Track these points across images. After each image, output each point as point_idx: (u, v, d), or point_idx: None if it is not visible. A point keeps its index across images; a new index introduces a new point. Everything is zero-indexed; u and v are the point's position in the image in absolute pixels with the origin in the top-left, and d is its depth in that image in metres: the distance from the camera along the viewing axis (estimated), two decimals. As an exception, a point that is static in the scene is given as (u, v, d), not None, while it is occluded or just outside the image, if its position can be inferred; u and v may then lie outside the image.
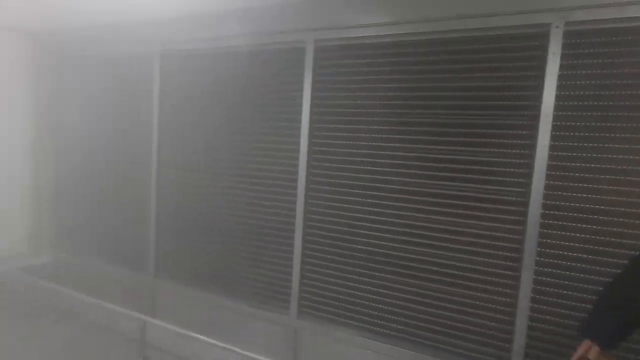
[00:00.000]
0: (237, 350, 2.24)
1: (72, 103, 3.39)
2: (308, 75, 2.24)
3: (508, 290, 1.86)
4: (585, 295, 1.71)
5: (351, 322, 2.22)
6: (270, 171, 2.45)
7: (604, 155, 1.67)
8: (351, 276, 2.21)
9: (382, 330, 2.14)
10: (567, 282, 1.75)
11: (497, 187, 1.87)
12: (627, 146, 1.64)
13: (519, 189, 1.82)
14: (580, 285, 1.73)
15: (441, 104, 1.96)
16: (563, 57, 1.71)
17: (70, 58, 3.36)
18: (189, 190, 2.78)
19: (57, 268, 3.46)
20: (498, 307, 1.89)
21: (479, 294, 1.92)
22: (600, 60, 1.67)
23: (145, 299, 2.93)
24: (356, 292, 2.20)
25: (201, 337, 2.33)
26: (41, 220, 3.62)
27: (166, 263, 2.90)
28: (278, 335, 2.45)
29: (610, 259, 1.67)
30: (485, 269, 1.91)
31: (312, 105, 2.26)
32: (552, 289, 1.77)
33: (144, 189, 2.93)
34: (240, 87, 2.53)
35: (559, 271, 1.76)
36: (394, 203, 2.08)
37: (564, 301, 1.75)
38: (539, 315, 1.80)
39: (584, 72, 1.69)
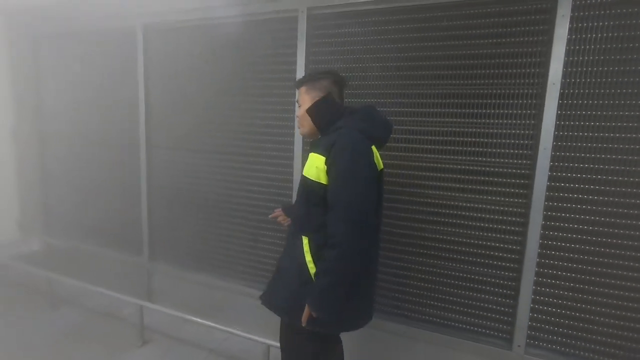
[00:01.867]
0: (235, 331, 2.22)
1: (52, 84, 3.23)
2: (301, 45, 2.12)
3: (514, 265, 1.83)
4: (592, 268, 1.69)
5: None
6: (264, 149, 2.36)
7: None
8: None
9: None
10: (572, 256, 1.72)
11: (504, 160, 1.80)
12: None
13: (525, 161, 1.76)
14: (586, 258, 1.70)
15: (444, 73, 1.86)
16: (573, 19, 1.61)
17: (46, 37, 3.16)
18: (179, 170, 2.68)
19: (49, 254, 3.38)
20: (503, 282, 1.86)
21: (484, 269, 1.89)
22: (611, 23, 1.57)
23: (141, 282, 2.87)
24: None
25: (199, 319, 2.30)
26: (29, 206, 3.51)
27: (160, 245, 2.84)
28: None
29: (614, 238, 1.64)
30: (492, 244, 1.87)
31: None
32: (557, 263, 1.74)
33: (134, 170, 2.82)
34: (230, 60, 2.40)
35: (564, 244, 1.72)
36: (395, 179, 2.01)
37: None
38: (542, 296, 1.77)
39: (593, 35, 1.60)
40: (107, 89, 2.92)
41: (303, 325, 1.34)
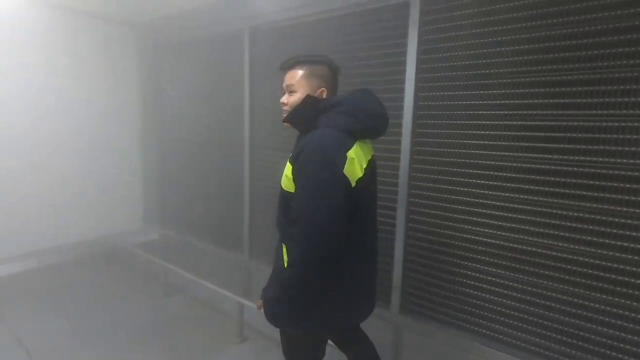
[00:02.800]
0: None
1: (172, 89, 3.54)
2: (413, 34, 1.90)
3: None
4: None
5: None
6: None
7: None
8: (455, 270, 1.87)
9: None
10: None
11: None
12: None
13: None
14: None
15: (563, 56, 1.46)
16: None
17: (167, 46, 3.48)
18: (280, 170, 2.67)
19: (165, 244, 3.73)
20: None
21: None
22: None
23: (241, 279, 2.95)
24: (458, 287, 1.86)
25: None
26: (151, 200, 3.92)
27: (260, 245, 2.88)
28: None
29: None
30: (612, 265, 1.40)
31: (419, 71, 1.91)
32: None
33: (238, 169, 2.91)
34: (335, 55, 2.28)
35: None
36: (519, 185, 1.66)
37: None
38: None
39: None
40: (217, 91, 3.07)
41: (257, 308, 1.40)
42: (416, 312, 2.05)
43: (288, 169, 1.27)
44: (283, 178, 1.31)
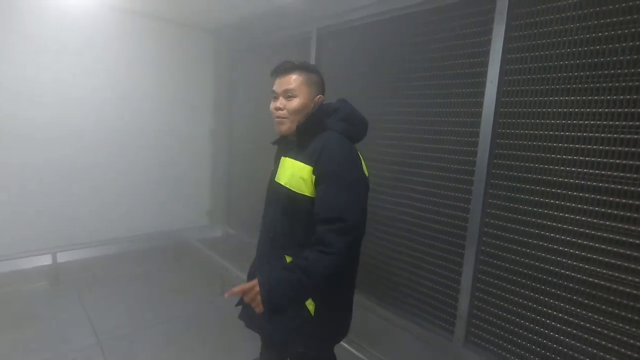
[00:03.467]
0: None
1: (243, 92, 3.63)
2: (499, 30, 1.65)
3: None
4: None
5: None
6: (443, 160, 1.97)
7: None
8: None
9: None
10: None
11: None
12: None
13: None
14: None
15: None
16: None
17: (240, 50, 3.57)
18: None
19: (227, 243, 3.83)
20: None
21: None
22: None
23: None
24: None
25: (347, 345, 2.09)
26: (217, 198, 4.07)
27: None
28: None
29: None
30: None
31: (503, 73, 1.66)
32: None
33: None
34: (409, 55, 2.11)
35: None
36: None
37: None
38: None
39: None
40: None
41: (225, 297, 1.17)
42: (481, 347, 1.78)
43: (304, 170, 1.21)
44: (292, 179, 1.24)
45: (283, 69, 1.29)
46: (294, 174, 1.23)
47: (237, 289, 1.15)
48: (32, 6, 2.78)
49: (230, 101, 3.79)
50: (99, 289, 3.04)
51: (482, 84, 1.72)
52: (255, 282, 1.15)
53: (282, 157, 1.33)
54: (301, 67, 1.29)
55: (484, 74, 1.71)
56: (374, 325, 2.29)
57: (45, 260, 3.06)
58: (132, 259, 3.54)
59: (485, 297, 1.77)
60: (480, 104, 1.73)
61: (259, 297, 1.12)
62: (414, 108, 2.07)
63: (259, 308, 1.13)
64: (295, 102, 1.27)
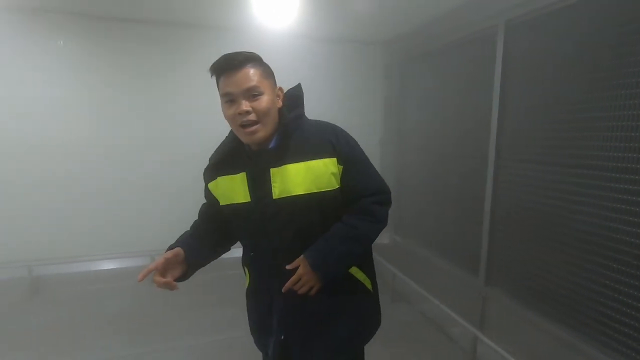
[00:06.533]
0: None
1: (413, 100, 3.59)
2: None
3: None
4: None
5: None
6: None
7: None
8: None
9: None
10: None
11: None
12: None
13: None
14: None
15: None
16: None
17: (411, 58, 3.54)
18: (531, 187, 2.21)
19: (394, 250, 3.82)
20: None
21: None
22: None
23: (474, 305, 2.63)
24: None
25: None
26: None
27: (499, 271, 2.48)
28: None
29: None
30: None
31: None
32: None
33: (479, 184, 2.61)
34: (612, 50, 1.67)
35: None
36: None
37: None
38: None
39: None
40: (459, 101, 2.87)
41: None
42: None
43: (330, 164, 1.11)
44: (319, 181, 1.10)
45: (234, 64, 1.04)
46: (320, 174, 1.09)
47: (290, 281, 1.10)
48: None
49: (400, 110, 3.80)
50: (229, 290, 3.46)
51: None
52: (304, 269, 1.09)
53: (272, 169, 1.10)
54: (253, 58, 1.07)
55: None
56: None
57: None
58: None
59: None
60: None
61: (313, 279, 1.10)
62: (614, 103, 1.64)
63: (316, 287, 1.11)
64: (264, 101, 1.06)
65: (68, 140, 3.22)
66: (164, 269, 1.07)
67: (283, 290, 1.10)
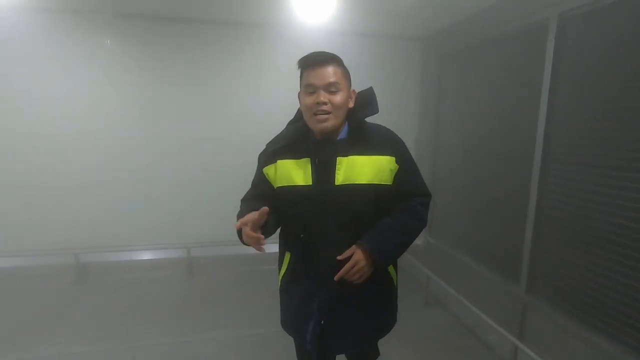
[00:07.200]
0: None
1: (452, 96, 3.47)
2: None
3: None
4: None
5: None
6: None
7: None
8: None
9: None
10: None
11: None
12: None
13: None
14: None
15: None
16: None
17: (451, 53, 3.42)
18: (579, 191, 2.07)
19: (428, 253, 3.73)
20: None
21: None
22: None
23: (514, 313, 2.52)
24: None
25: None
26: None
27: (542, 280, 2.35)
28: None
29: None
30: None
31: None
32: None
33: (523, 187, 2.48)
34: None
35: None
36: None
37: None
38: None
39: None
40: (502, 97, 2.74)
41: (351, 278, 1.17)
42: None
43: (390, 161, 1.23)
44: (380, 174, 1.22)
45: (321, 60, 1.19)
46: (381, 169, 1.22)
47: (345, 267, 1.15)
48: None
49: (437, 108, 3.69)
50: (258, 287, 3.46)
51: None
52: (359, 255, 1.16)
53: (338, 157, 1.20)
54: (337, 59, 1.22)
55: None
56: None
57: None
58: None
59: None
60: None
61: (367, 265, 1.16)
62: None
63: (365, 275, 1.17)
64: (340, 97, 1.19)
65: (119, 135, 3.39)
66: (255, 225, 1.11)
67: (336, 279, 1.16)
